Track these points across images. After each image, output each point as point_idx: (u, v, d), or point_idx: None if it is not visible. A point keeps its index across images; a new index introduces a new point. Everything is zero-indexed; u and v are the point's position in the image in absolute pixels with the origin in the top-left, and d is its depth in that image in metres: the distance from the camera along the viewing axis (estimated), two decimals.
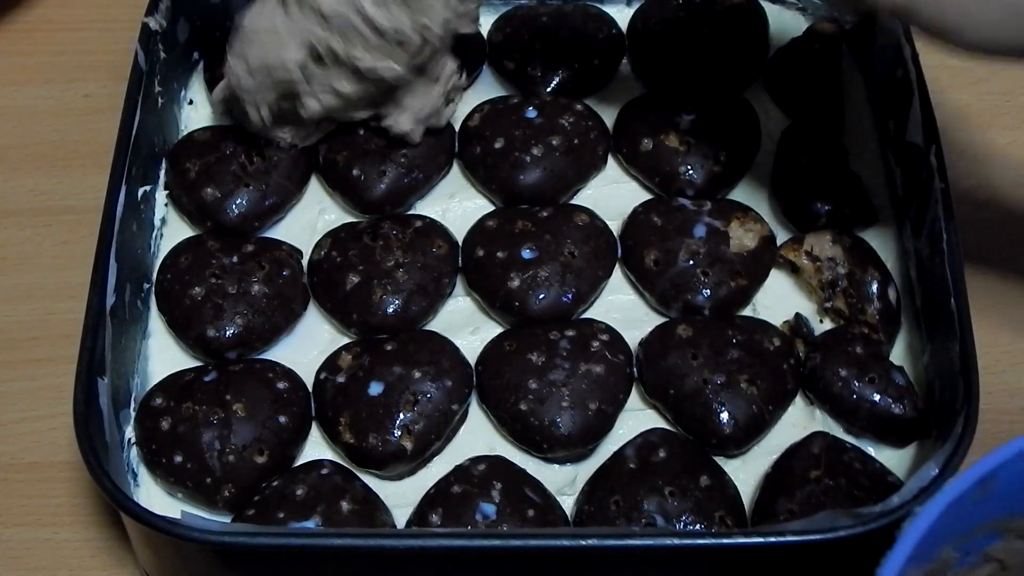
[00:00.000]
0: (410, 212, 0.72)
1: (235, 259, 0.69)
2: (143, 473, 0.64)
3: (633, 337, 0.67)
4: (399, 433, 0.63)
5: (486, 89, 0.77)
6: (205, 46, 0.78)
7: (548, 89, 0.76)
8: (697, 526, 0.60)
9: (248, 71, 0.68)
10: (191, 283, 0.67)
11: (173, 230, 0.72)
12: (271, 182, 0.71)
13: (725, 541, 0.55)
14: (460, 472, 0.63)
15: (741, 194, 0.74)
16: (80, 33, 0.87)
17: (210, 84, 0.76)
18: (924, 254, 0.67)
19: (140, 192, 0.69)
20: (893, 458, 0.64)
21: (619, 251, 0.71)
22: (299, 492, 0.61)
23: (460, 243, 0.70)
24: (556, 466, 0.65)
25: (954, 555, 0.42)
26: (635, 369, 0.66)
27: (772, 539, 0.54)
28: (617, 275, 0.71)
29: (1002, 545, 0.43)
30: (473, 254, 0.69)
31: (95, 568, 0.66)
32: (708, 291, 0.68)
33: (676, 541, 0.55)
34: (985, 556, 0.43)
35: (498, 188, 0.72)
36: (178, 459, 0.62)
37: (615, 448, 0.64)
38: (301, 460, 0.65)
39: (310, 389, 0.66)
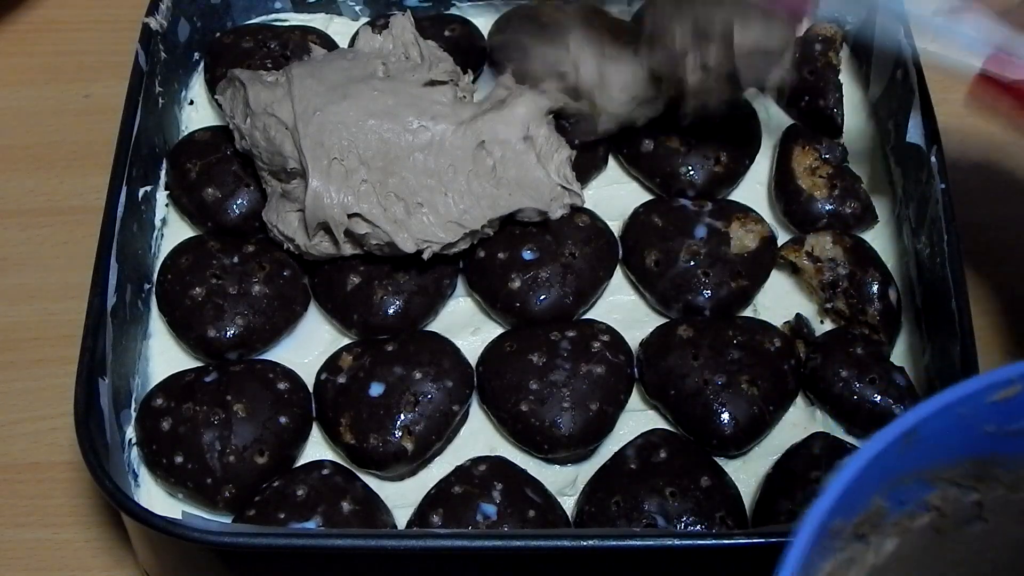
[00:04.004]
0: None
1: (236, 259, 0.69)
2: (144, 473, 0.64)
3: (634, 338, 0.67)
4: (400, 434, 0.63)
5: (486, 89, 0.77)
6: (206, 47, 0.78)
7: None
8: (698, 527, 0.60)
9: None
10: (192, 284, 0.67)
11: (174, 230, 0.72)
12: None
13: (726, 542, 0.55)
14: (461, 473, 0.63)
15: (741, 194, 0.74)
16: (81, 33, 0.87)
17: (210, 85, 0.76)
18: (925, 254, 0.67)
19: (141, 192, 0.69)
20: None
21: (620, 252, 0.71)
22: (300, 492, 0.61)
23: None
24: (557, 467, 0.65)
25: (885, 504, 0.42)
26: (636, 369, 0.66)
27: (773, 540, 0.54)
28: (618, 276, 0.71)
29: (938, 494, 0.44)
30: (474, 255, 0.69)
31: (96, 568, 0.66)
32: (709, 292, 0.68)
33: (677, 542, 0.55)
34: (923, 505, 0.44)
35: None
36: (179, 459, 0.62)
37: (616, 449, 0.64)
38: (302, 461, 0.65)
39: (311, 390, 0.66)
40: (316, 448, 0.66)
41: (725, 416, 0.63)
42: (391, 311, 0.67)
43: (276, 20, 0.82)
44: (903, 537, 0.44)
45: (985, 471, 0.44)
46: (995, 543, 0.46)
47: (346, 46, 0.79)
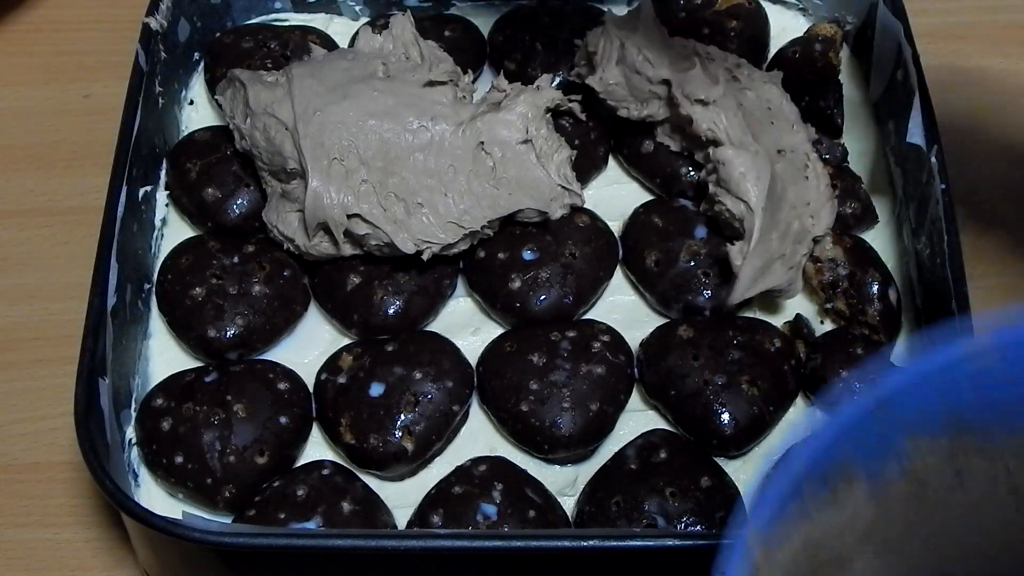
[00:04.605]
0: None
1: (236, 259, 0.69)
2: (144, 474, 0.64)
3: (634, 338, 0.67)
4: (400, 434, 0.63)
5: (487, 89, 0.77)
6: (206, 47, 0.78)
7: None
8: (698, 527, 0.60)
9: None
10: (192, 284, 0.67)
11: (174, 230, 0.72)
12: None
13: (726, 542, 0.55)
14: (461, 473, 0.63)
15: None
16: (80, 33, 0.87)
17: (210, 85, 0.76)
18: (925, 255, 0.67)
19: (141, 192, 0.69)
20: None
21: (620, 252, 0.71)
22: (300, 493, 0.61)
23: None
24: (557, 467, 0.65)
25: (861, 471, 0.42)
26: (636, 370, 0.66)
27: None
28: (618, 276, 0.71)
29: (916, 463, 0.44)
30: (474, 255, 0.69)
31: (96, 568, 0.66)
32: (709, 292, 0.68)
33: (676, 542, 0.55)
34: (901, 473, 0.44)
35: None
36: (179, 459, 0.62)
37: (616, 449, 0.64)
38: (302, 461, 0.65)
39: (311, 390, 0.66)
40: (316, 448, 0.66)
41: (725, 416, 0.63)
42: (391, 311, 0.67)
43: (276, 20, 0.82)
44: (881, 506, 0.44)
45: (963, 441, 0.44)
46: (974, 514, 0.46)
47: (346, 46, 0.79)
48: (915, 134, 0.68)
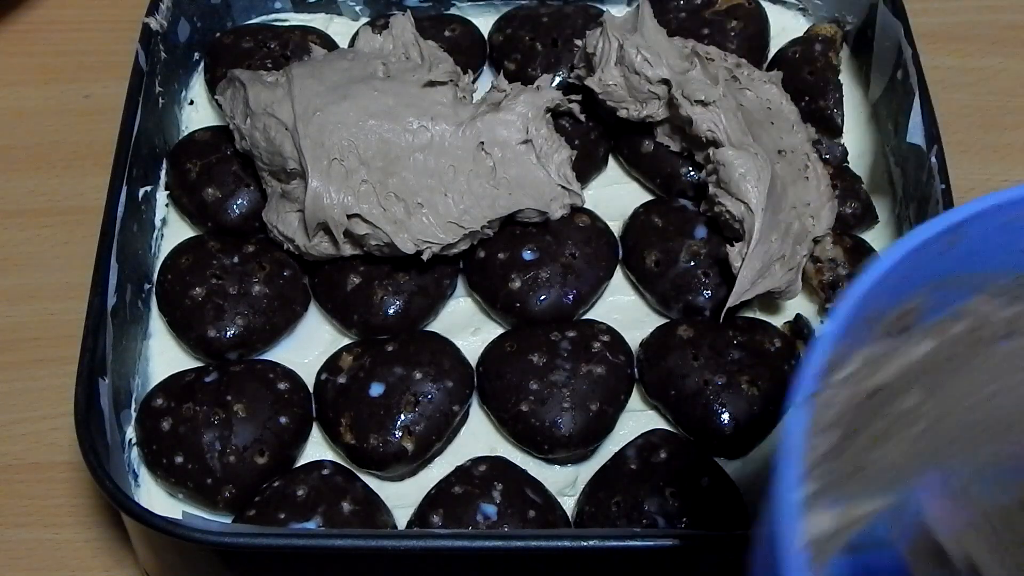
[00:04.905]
0: None
1: (236, 260, 0.69)
2: (144, 474, 0.64)
3: (634, 338, 0.67)
4: (400, 434, 0.63)
5: (487, 89, 0.77)
6: (206, 47, 0.78)
7: None
8: (698, 527, 0.60)
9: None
10: (192, 284, 0.67)
11: (174, 231, 0.72)
12: None
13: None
14: (461, 473, 0.63)
15: None
16: (80, 33, 0.87)
17: (210, 85, 0.76)
18: None
19: (141, 192, 0.69)
20: None
21: (620, 252, 0.71)
22: (300, 493, 0.61)
23: None
24: (557, 467, 0.65)
25: (923, 303, 0.41)
26: (636, 370, 0.66)
27: None
28: (618, 276, 0.71)
29: (977, 302, 0.43)
30: (474, 255, 0.69)
31: (96, 568, 0.66)
32: (709, 292, 0.68)
33: (677, 542, 0.55)
34: (961, 312, 0.43)
35: None
36: (179, 460, 0.62)
37: (616, 449, 0.64)
38: (302, 461, 0.65)
39: (311, 390, 0.66)
40: (316, 448, 0.66)
41: (725, 416, 0.63)
42: (391, 311, 0.67)
43: (276, 20, 0.82)
44: (937, 342, 0.43)
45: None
46: (1015, 365, 0.45)
47: (346, 46, 0.79)
48: (915, 134, 0.68)
